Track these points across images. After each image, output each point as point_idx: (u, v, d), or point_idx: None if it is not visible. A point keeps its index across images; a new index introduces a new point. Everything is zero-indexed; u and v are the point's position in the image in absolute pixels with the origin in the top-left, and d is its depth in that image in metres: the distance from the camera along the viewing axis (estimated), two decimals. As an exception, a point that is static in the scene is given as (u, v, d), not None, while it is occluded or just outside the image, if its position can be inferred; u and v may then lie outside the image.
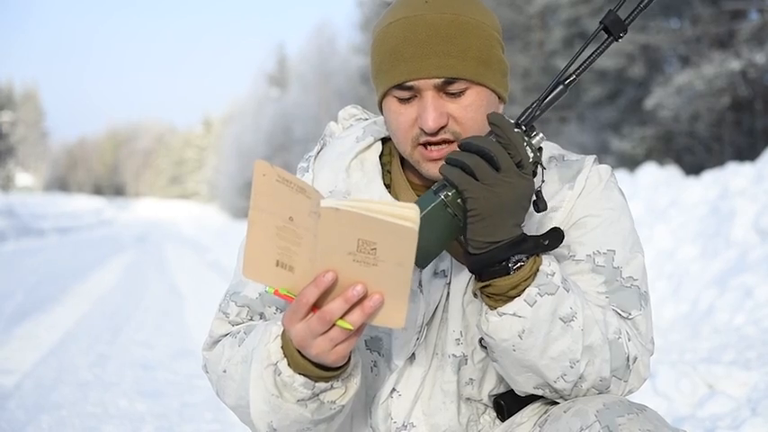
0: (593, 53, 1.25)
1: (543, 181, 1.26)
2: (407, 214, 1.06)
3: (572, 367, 1.26)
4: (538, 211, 1.26)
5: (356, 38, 27.61)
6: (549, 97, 1.25)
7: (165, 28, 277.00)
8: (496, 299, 1.24)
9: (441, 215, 1.20)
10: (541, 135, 1.23)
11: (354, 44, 27.99)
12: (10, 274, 10.41)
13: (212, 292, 8.12)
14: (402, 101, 1.33)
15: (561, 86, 1.26)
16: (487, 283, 1.23)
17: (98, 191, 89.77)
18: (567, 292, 1.25)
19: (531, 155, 1.21)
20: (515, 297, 1.22)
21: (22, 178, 69.99)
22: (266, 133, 36.73)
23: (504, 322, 1.23)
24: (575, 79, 1.26)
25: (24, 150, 67.97)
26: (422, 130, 1.31)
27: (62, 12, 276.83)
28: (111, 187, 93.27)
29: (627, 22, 1.26)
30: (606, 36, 1.27)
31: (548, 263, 1.24)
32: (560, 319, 1.24)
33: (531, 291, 1.22)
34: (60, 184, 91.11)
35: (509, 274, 1.22)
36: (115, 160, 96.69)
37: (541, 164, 1.24)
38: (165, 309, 7.69)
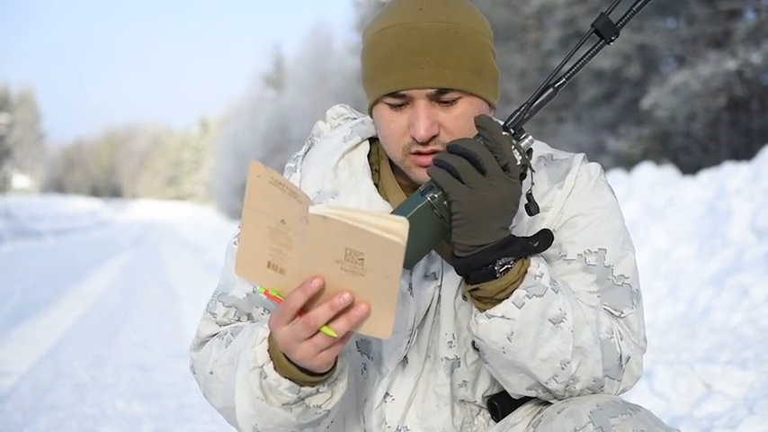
0: (584, 56, 1.25)
1: (533, 183, 1.26)
2: (395, 228, 1.05)
3: (563, 368, 1.26)
4: (530, 215, 1.25)
5: (352, 39, 27.61)
6: (539, 100, 1.24)
7: (161, 29, 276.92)
8: (485, 301, 1.24)
9: (427, 216, 1.20)
10: (530, 138, 1.23)
11: (351, 45, 27.99)
12: (7, 276, 10.39)
13: (209, 294, 8.09)
14: (394, 108, 1.32)
15: (551, 89, 1.24)
16: (476, 286, 1.23)
17: (95, 192, 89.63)
18: (556, 293, 1.24)
19: (520, 158, 1.20)
20: (504, 299, 1.22)
21: (19, 180, 69.77)
22: (263, 134, 36.73)
23: (493, 324, 1.23)
24: (565, 83, 1.25)
25: (21, 152, 67.76)
26: (413, 138, 1.31)
27: (58, 14, 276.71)
28: (107, 189, 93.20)
29: (619, 25, 1.24)
30: (598, 38, 1.26)
31: (536, 264, 1.24)
32: (549, 320, 1.24)
33: (519, 293, 1.22)
34: (57, 185, 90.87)
35: (495, 277, 1.21)
36: (112, 162, 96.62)
37: (530, 167, 1.23)
38: (162, 310, 7.68)
